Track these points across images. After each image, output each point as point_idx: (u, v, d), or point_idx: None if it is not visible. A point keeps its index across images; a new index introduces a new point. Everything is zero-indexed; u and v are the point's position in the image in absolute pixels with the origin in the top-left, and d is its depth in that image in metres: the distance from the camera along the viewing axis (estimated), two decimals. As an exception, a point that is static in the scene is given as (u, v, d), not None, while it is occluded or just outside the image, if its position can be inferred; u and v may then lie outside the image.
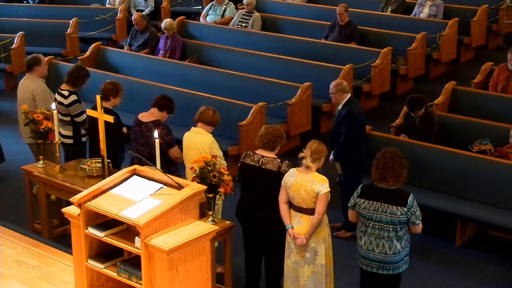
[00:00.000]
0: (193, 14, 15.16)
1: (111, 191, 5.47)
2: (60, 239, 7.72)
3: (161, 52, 12.19)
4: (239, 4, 14.28)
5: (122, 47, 13.08)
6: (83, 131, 8.49)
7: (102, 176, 7.15)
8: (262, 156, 6.66)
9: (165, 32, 12.21)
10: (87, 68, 9.17)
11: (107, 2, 15.26)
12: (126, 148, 7.98)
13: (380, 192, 6.00)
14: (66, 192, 7.32)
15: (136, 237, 5.17)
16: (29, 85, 8.71)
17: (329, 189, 6.28)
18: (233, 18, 13.67)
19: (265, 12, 13.95)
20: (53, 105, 7.71)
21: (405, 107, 8.89)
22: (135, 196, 5.36)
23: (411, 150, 8.04)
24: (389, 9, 13.55)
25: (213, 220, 6.48)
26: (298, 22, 13.27)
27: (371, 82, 11.20)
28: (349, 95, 8.00)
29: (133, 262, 5.33)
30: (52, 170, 7.72)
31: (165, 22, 12.24)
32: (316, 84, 10.24)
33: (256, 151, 6.74)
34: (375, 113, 11.17)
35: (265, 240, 6.75)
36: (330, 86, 7.99)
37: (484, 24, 13.18)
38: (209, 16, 13.98)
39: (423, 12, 13.17)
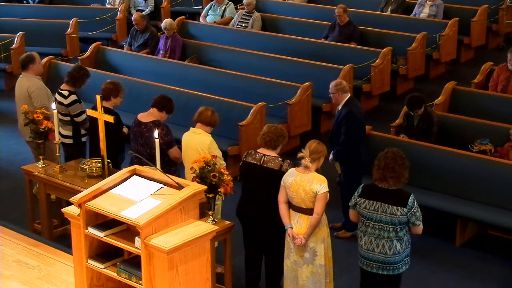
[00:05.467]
0: (187, 14, 15.18)
1: (111, 191, 5.48)
2: (60, 239, 7.72)
3: (161, 52, 12.19)
4: (239, 4, 14.28)
5: (122, 47, 13.08)
6: (83, 131, 8.50)
7: (102, 176, 7.15)
8: (264, 155, 6.66)
9: (165, 32, 12.22)
10: (87, 68, 9.17)
11: (107, 2, 15.27)
12: (126, 148, 7.98)
13: (380, 192, 6.00)
14: (66, 192, 7.32)
15: (136, 237, 5.17)
16: (25, 83, 8.72)
17: (327, 189, 6.28)
18: (233, 18, 13.67)
19: (265, 12, 13.95)
20: (53, 105, 7.71)
21: (405, 107, 8.90)
22: (135, 196, 5.36)
23: (411, 150, 8.03)
24: (389, 9, 13.55)
25: (213, 220, 6.48)
26: (298, 22, 13.27)
27: (371, 82, 11.20)
28: (349, 95, 8.00)
29: (133, 262, 5.33)
30: (52, 170, 7.72)
31: (165, 22, 12.24)
32: (316, 84, 10.24)
33: (258, 150, 6.74)
34: (375, 113, 11.18)
35: (266, 239, 6.75)
36: (330, 86, 7.99)
37: (484, 24, 13.18)
38: (209, 16, 13.98)
39: (423, 12, 13.17)
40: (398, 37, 12.10)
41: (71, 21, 13.40)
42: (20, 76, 8.93)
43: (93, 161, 7.62)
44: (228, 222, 6.73)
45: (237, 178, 6.98)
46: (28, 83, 8.69)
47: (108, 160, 7.39)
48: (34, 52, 9.04)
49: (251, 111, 9.44)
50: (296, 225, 6.38)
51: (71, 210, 5.57)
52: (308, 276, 6.43)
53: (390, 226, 5.96)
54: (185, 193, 5.29)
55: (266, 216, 6.62)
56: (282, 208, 6.45)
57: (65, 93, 8.45)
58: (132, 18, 12.91)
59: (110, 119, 7.06)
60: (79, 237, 5.47)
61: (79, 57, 12.21)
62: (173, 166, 7.44)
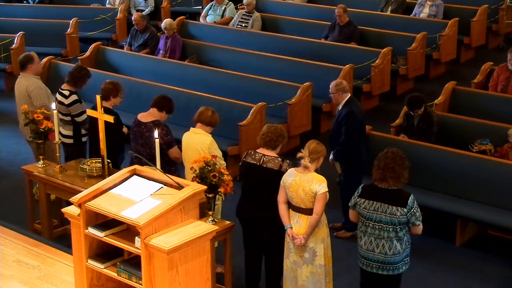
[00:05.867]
0: (187, 14, 15.16)
1: (111, 191, 5.48)
2: (60, 239, 7.72)
3: (161, 52, 12.20)
4: (239, 4, 14.28)
5: (122, 47, 13.08)
6: (83, 131, 8.49)
7: (102, 176, 7.15)
8: (263, 155, 6.66)
9: (165, 32, 12.22)
10: (87, 68, 9.17)
11: (107, 2, 15.27)
12: (126, 148, 7.98)
13: (380, 192, 6.00)
14: (66, 192, 7.32)
15: (136, 237, 5.17)
16: (24, 83, 8.71)
17: (327, 189, 6.27)
18: (233, 18, 13.68)
19: (265, 12, 13.95)
20: (53, 105, 7.71)
21: (405, 107, 8.90)
22: (135, 196, 5.36)
23: (411, 150, 8.03)
24: (389, 9, 13.56)
25: (213, 220, 6.48)
26: (298, 22, 13.27)
27: (371, 82, 11.20)
28: (349, 95, 7.99)
29: (133, 262, 5.33)
30: (52, 170, 7.71)
31: (165, 22, 12.25)
32: (316, 84, 10.24)
33: (257, 150, 6.74)
34: (375, 113, 11.18)
35: (265, 239, 6.75)
36: (330, 86, 7.99)
37: (484, 24, 13.19)
38: (209, 16, 13.98)
39: (423, 12, 13.18)
40: (398, 37, 12.10)
41: (71, 21, 13.40)
42: (19, 76, 8.91)
43: (93, 161, 7.62)
44: (228, 222, 6.73)
45: (237, 178, 6.98)
46: (27, 83, 8.68)
47: (108, 160, 7.39)
48: (32, 52, 9.03)
49: (251, 111, 9.44)
50: (296, 225, 6.38)
51: (71, 210, 5.57)
52: (307, 276, 6.43)
53: (390, 226, 5.96)
54: (185, 193, 5.29)
55: (265, 216, 6.62)
56: (282, 208, 6.45)
57: (66, 93, 8.45)
58: (132, 18, 12.91)
59: (110, 119, 7.05)
60: (79, 237, 5.47)
61: (79, 57, 12.21)
62: (173, 166, 7.44)
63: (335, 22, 12.45)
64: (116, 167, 7.70)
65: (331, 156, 7.99)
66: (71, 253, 5.94)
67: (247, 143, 9.14)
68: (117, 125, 7.68)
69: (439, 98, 9.67)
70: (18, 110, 8.64)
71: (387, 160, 6.00)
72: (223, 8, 13.94)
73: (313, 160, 6.34)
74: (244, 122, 9.35)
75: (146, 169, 5.66)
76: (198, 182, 6.11)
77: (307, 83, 10.15)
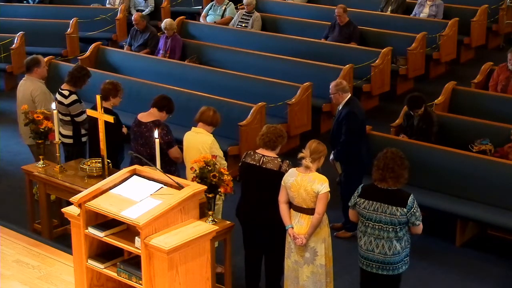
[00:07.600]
0: (187, 14, 15.16)
1: (111, 191, 5.48)
2: (60, 239, 7.72)
3: (161, 52, 12.20)
4: (239, 4, 14.29)
5: (122, 47, 13.09)
6: (83, 131, 8.49)
7: (102, 176, 7.15)
8: (263, 156, 6.66)
9: (165, 32, 12.22)
10: (87, 68, 9.16)
11: (107, 2, 15.27)
12: (126, 148, 7.98)
13: (380, 193, 6.00)
14: (66, 192, 7.32)
15: (136, 237, 5.17)
16: (29, 87, 8.68)
17: (329, 189, 6.28)
18: (233, 18, 13.68)
19: (265, 12, 13.96)
20: (53, 105, 7.71)
21: (405, 106, 8.90)
22: (135, 196, 5.36)
23: (411, 150, 8.03)
24: (389, 9, 13.56)
25: (213, 220, 6.48)
26: (298, 22, 13.27)
27: (371, 82, 11.20)
28: (349, 95, 7.99)
29: (133, 262, 5.33)
30: (52, 170, 7.71)
31: (165, 22, 12.25)
32: (316, 84, 10.24)
33: (257, 151, 6.74)
34: (375, 113, 11.18)
35: (265, 240, 6.75)
36: (330, 86, 7.99)
37: (484, 24, 13.19)
38: (209, 16, 13.99)
39: (423, 12, 13.18)
40: (398, 37, 12.10)
41: (71, 21, 13.40)
42: (23, 78, 8.88)
43: (93, 161, 7.62)
44: (228, 222, 6.73)
45: (237, 179, 6.98)
46: (32, 87, 8.64)
47: (108, 160, 7.39)
48: (39, 56, 9.00)
49: (251, 111, 9.44)
50: (297, 225, 6.38)
51: (71, 210, 5.57)
52: (308, 276, 6.43)
53: (390, 227, 5.95)
54: (185, 193, 5.29)
55: (265, 217, 6.62)
56: (283, 208, 6.45)
57: (66, 93, 8.45)
58: (132, 18, 12.92)
59: (110, 119, 7.06)
60: (79, 237, 5.47)
61: (79, 57, 12.21)
62: (173, 166, 7.44)
63: (335, 22, 12.45)
64: (116, 167, 7.70)
65: (331, 156, 7.99)
66: (71, 253, 5.95)
67: (247, 143, 9.14)
68: (117, 125, 7.68)
69: (439, 98, 9.68)
70: (19, 112, 8.60)
71: (387, 160, 6.00)
72: (223, 8, 13.95)
73: (314, 160, 6.34)
74: (244, 122, 9.35)
75: (146, 169, 5.66)
76: (198, 182, 6.11)
77: (307, 83, 10.15)
